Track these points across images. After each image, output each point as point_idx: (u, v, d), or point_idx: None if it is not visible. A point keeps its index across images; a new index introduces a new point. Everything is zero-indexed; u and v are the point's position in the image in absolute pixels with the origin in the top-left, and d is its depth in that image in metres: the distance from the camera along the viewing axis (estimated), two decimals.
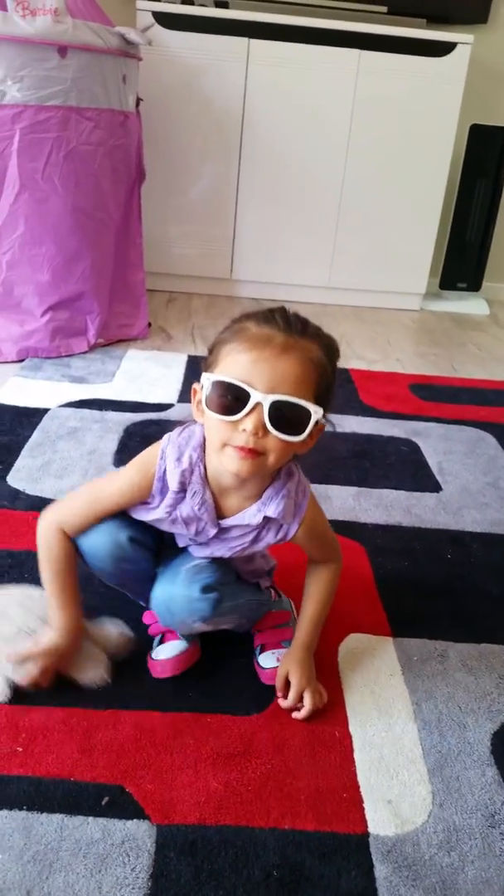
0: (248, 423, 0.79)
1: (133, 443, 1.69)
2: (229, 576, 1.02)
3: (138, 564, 0.97)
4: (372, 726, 0.99)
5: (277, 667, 1.03)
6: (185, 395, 1.97)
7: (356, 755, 0.95)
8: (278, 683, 1.01)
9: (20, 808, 0.84)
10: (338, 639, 1.13)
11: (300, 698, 0.99)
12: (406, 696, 1.05)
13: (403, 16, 2.74)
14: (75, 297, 2.15)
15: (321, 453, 1.68)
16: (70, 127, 2.01)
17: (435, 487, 1.61)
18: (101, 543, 0.94)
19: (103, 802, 0.85)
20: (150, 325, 2.48)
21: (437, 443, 1.83)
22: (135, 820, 0.83)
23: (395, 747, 0.96)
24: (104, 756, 0.91)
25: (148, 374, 2.11)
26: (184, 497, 0.90)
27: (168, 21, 2.58)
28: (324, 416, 0.83)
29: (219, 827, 0.83)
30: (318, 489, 1.52)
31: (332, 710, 1.01)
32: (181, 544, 1.00)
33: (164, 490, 0.91)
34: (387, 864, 0.81)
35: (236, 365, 0.80)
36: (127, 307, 2.42)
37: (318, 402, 0.82)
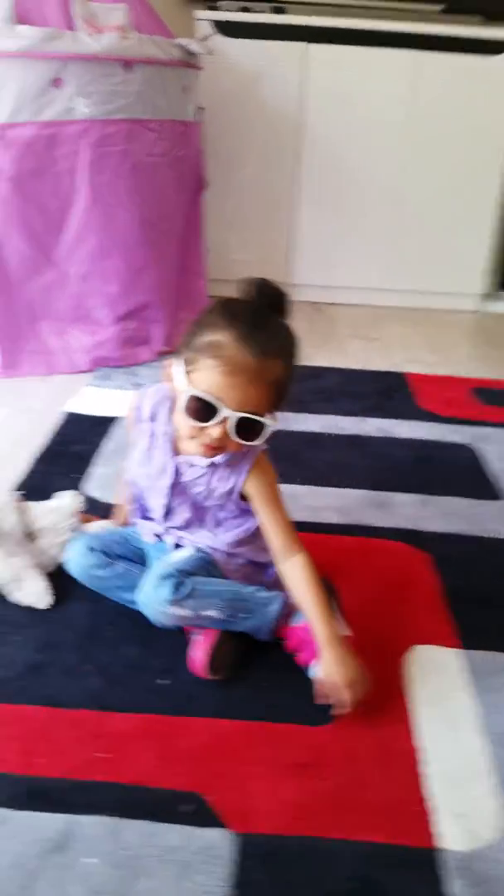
0: (215, 432, 0.96)
1: None
2: (208, 572, 1.09)
3: (110, 569, 1.14)
4: (441, 739, 1.01)
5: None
6: None
7: (425, 768, 0.97)
8: (319, 689, 1.03)
9: (108, 814, 0.88)
10: (403, 650, 1.15)
11: (353, 700, 1.01)
12: (475, 708, 1.06)
13: (459, 13, 2.70)
14: (142, 306, 2.21)
15: (380, 460, 1.71)
16: (135, 139, 2.05)
17: (498, 495, 1.61)
18: (72, 558, 1.15)
19: (184, 810, 0.90)
20: None
21: (500, 448, 1.82)
22: (214, 828, 0.87)
23: (464, 760, 0.98)
24: (182, 764, 0.96)
25: None
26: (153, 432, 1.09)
27: (226, 29, 2.60)
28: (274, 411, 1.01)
29: (296, 837, 0.87)
30: (377, 496, 1.55)
31: (399, 723, 1.03)
32: (155, 516, 1.13)
33: (139, 419, 1.11)
34: (459, 879, 0.83)
35: (212, 382, 0.94)
36: (190, 315, 2.42)
37: (275, 404, 1.00)
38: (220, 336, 0.94)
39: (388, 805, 0.92)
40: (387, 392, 2.13)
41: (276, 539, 1.07)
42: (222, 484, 1.06)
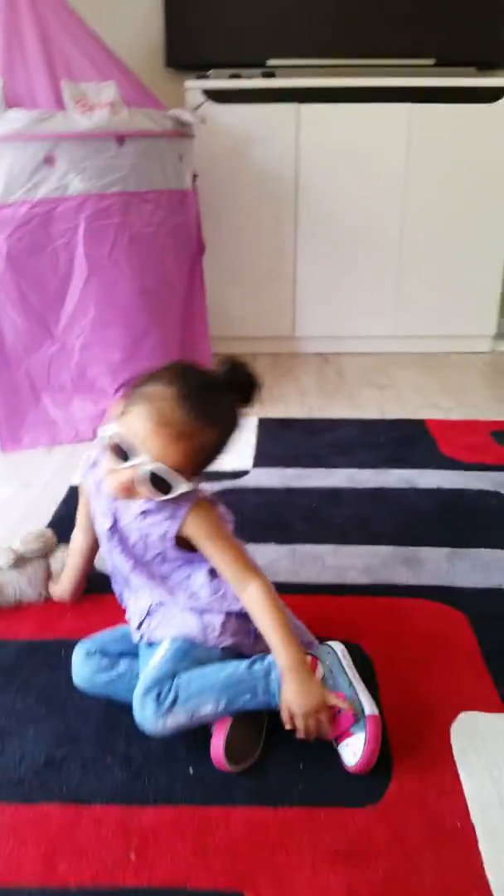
0: (124, 476, 0.96)
1: None
2: (194, 659, 1.02)
3: (114, 671, 1.09)
4: (495, 814, 0.93)
5: (358, 762, 0.97)
6: (260, 460, 1.97)
7: (482, 846, 0.89)
8: (284, 717, 0.98)
9: None
10: (448, 718, 1.08)
11: (312, 730, 0.97)
12: None
13: (452, 66, 2.75)
14: None
15: (405, 512, 1.66)
16: (132, 211, 2.07)
17: None
18: (74, 668, 1.11)
19: None
20: None
21: None
22: None
23: None
24: (219, 858, 0.88)
25: None
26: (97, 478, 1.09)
27: (217, 96, 2.66)
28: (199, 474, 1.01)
29: None
30: (404, 552, 1.49)
31: (450, 799, 0.95)
32: (109, 566, 1.12)
33: (89, 468, 1.12)
34: None
35: (139, 429, 0.95)
36: None
37: (196, 470, 0.99)
38: (162, 388, 0.96)
39: (445, 893, 0.84)
40: (406, 441, 2.08)
41: (227, 573, 1.03)
42: (156, 529, 1.03)
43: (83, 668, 1.11)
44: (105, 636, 1.15)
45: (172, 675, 1.00)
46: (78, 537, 1.27)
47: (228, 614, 1.06)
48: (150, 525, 1.03)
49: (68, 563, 1.32)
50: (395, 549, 1.51)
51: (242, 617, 1.06)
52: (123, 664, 1.10)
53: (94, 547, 1.23)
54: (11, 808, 0.95)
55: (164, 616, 1.08)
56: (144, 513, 1.03)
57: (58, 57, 2.03)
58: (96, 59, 2.13)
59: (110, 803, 0.95)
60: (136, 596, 1.12)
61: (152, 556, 1.06)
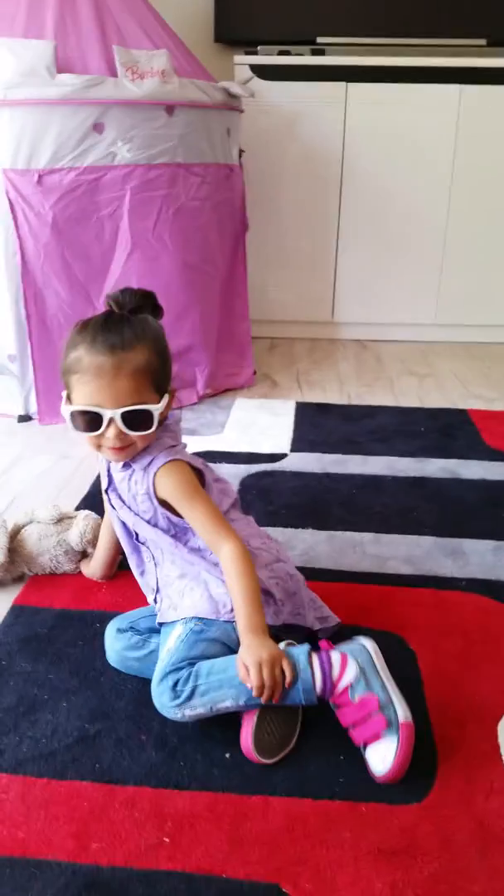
0: (110, 434, 1.00)
1: (249, 496, 1.65)
2: (210, 641, 1.01)
3: (145, 648, 1.09)
4: None
5: (387, 770, 0.91)
6: (297, 444, 1.93)
7: None
8: (240, 674, 0.94)
9: None
10: (496, 715, 1.03)
11: (266, 681, 0.93)
12: None
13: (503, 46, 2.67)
14: (185, 350, 2.16)
15: (448, 503, 1.61)
16: (178, 184, 2.03)
17: None
18: (106, 646, 1.12)
19: None
20: (255, 372, 2.46)
21: None
22: None
23: None
24: (256, 849, 0.85)
25: (258, 423, 2.07)
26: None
27: (265, 72, 2.60)
28: (169, 391, 1.05)
29: None
30: (448, 543, 1.44)
31: (499, 799, 0.91)
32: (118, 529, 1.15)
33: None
34: None
35: (85, 393, 0.99)
36: (233, 356, 2.41)
37: (158, 388, 1.03)
38: (75, 352, 1.00)
39: None
40: (448, 430, 2.02)
41: (202, 532, 1.04)
42: (139, 486, 1.06)
43: (114, 644, 1.10)
44: (137, 613, 1.14)
45: (190, 663, 0.97)
46: (106, 528, 1.27)
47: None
48: (134, 482, 1.06)
49: (98, 548, 1.30)
50: (439, 539, 1.46)
51: None
52: (154, 642, 1.08)
53: None
54: (42, 781, 0.93)
55: (173, 593, 1.07)
56: (126, 466, 1.07)
57: (110, 23, 1.99)
58: (148, 28, 2.08)
59: (144, 784, 0.92)
60: (144, 570, 1.13)
61: (146, 521, 1.07)
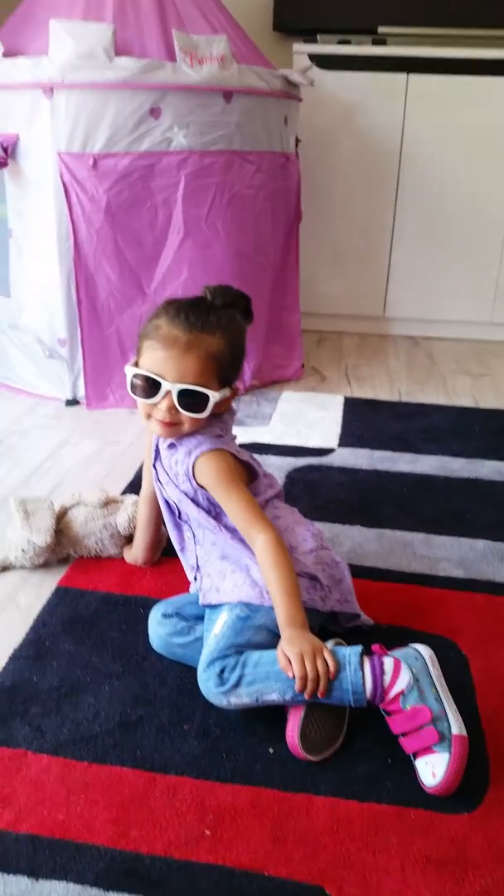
0: (162, 406, 1.01)
1: (296, 490, 1.62)
2: (256, 629, 0.99)
3: (191, 635, 1.07)
4: None
5: (437, 784, 0.87)
6: (345, 440, 1.89)
7: None
8: (281, 664, 0.92)
9: None
10: None
11: (308, 672, 0.90)
12: None
13: None
14: None
15: (502, 507, 1.55)
16: (233, 171, 2.01)
17: None
18: (151, 630, 1.11)
19: None
20: (303, 366, 2.43)
21: None
22: None
23: None
24: (299, 848, 0.82)
25: (305, 417, 2.04)
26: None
27: (324, 62, 2.56)
28: (231, 385, 1.05)
29: None
30: (503, 548, 1.40)
31: None
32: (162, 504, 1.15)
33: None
34: None
35: (152, 360, 1.01)
36: (281, 349, 2.38)
37: (222, 380, 1.03)
38: (155, 320, 1.02)
39: None
40: (503, 432, 1.96)
41: (237, 521, 1.03)
42: (180, 467, 1.06)
43: (159, 629, 1.08)
44: (181, 598, 1.12)
45: (237, 651, 0.96)
46: (143, 506, 1.26)
47: None
48: (175, 461, 1.07)
49: (137, 531, 1.29)
50: (493, 544, 1.41)
51: (301, 574, 1.03)
52: (200, 629, 1.06)
53: (160, 515, 1.20)
54: (83, 765, 0.91)
55: (213, 572, 1.07)
56: (172, 445, 1.07)
57: (170, 6, 1.97)
58: (208, 13, 2.06)
59: (185, 774, 0.90)
60: (185, 547, 1.13)
61: (190, 499, 1.07)
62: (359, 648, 0.95)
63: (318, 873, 0.79)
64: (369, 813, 0.86)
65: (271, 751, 0.94)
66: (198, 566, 1.11)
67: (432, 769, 0.88)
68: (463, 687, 1.03)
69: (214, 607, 1.04)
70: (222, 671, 0.94)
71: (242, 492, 1.03)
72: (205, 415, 1.01)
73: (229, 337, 1.02)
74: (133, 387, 1.03)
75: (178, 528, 1.14)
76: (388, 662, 0.94)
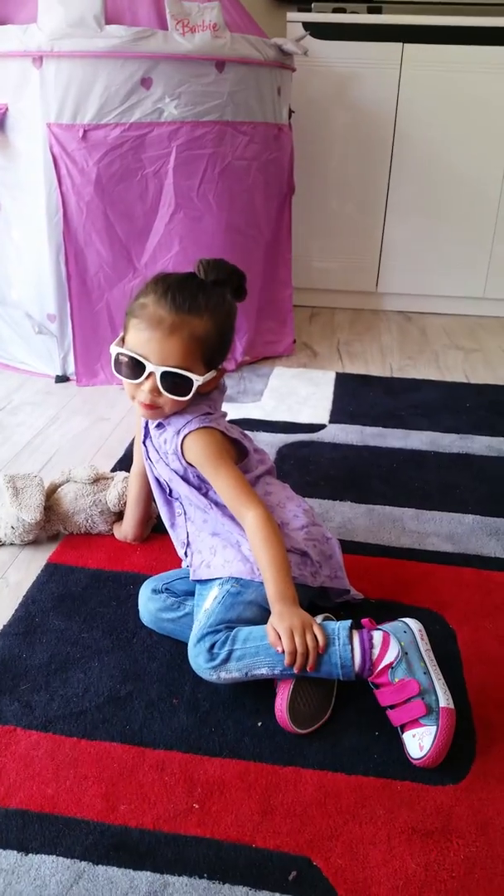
0: (145, 387, 1.00)
1: (287, 466, 1.62)
2: (246, 604, 1.00)
3: (180, 610, 1.08)
4: None
5: (424, 756, 0.88)
6: (336, 416, 1.88)
7: None
8: (271, 639, 0.93)
9: (201, 876, 0.76)
10: None
11: (298, 647, 0.91)
12: None
13: None
14: None
15: (493, 482, 1.55)
16: (225, 142, 1.98)
17: None
18: (140, 605, 1.11)
19: (290, 877, 0.77)
20: (295, 341, 2.42)
21: None
22: None
23: None
24: (287, 820, 0.83)
25: (297, 393, 2.03)
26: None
27: (319, 31, 2.52)
28: (218, 367, 1.05)
29: None
30: (493, 523, 1.42)
31: None
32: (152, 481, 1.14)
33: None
34: None
35: (137, 340, 0.99)
36: (273, 324, 2.36)
37: (208, 362, 1.02)
38: (143, 298, 1.01)
39: None
40: (494, 407, 1.96)
41: (226, 498, 1.03)
42: (169, 446, 1.06)
43: (149, 605, 1.09)
44: (171, 574, 1.13)
45: (228, 626, 0.96)
46: (133, 483, 1.25)
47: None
48: (163, 440, 1.06)
49: (128, 507, 1.28)
50: (482, 519, 1.42)
51: (291, 549, 1.03)
52: (189, 605, 1.07)
53: (150, 491, 1.20)
54: (72, 740, 0.92)
55: (204, 548, 1.07)
56: (160, 425, 1.07)
57: None
58: None
59: (174, 749, 0.91)
60: (175, 523, 1.13)
61: (180, 477, 1.06)
62: (348, 623, 0.95)
63: (306, 845, 0.80)
64: (356, 785, 0.87)
65: (259, 724, 0.95)
66: (188, 542, 1.11)
67: (419, 742, 0.89)
68: (450, 660, 1.04)
69: (205, 583, 1.05)
70: (213, 646, 0.95)
71: (231, 469, 1.03)
72: (187, 398, 1.01)
73: (217, 319, 1.01)
74: (117, 364, 1.02)
75: (169, 504, 1.13)
76: (377, 636, 0.95)
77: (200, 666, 0.95)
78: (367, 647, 0.94)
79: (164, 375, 0.99)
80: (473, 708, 0.98)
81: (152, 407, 1.02)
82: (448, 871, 0.78)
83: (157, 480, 1.13)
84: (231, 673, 0.94)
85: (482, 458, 1.67)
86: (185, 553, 1.12)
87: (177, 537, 1.14)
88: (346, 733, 0.94)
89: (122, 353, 1.00)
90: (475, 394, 2.05)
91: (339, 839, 0.81)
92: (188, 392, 1.00)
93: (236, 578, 1.01)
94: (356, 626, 0.96)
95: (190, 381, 0.99)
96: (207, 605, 1.00)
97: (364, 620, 0.97)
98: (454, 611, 1.16)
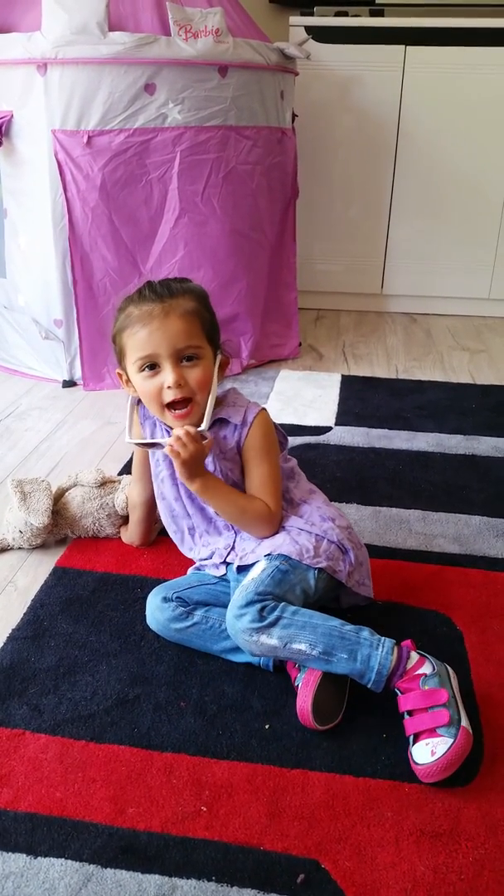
0: (170, 377, 1.01)
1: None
2: (293, 583, 1.01)
3: (189, 619, 1.07)
4: None
5: (433, 762, 0.86)
6: (342, 418, 1.89)
7: None
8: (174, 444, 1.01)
9: (209, 879, 0.77)
10: None
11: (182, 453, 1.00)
12: None
13: None
14: (230, 318, 2.12)
15: (501, 484, 1.55)
16: (229, 147, 1.99)
17: None
18: (150, 613, 1.10)
19: (298, 880, 0.77)
20: (300, 344, 2.42)
21: None
22: None
23: None
24: (295, 823, 0.83)
25: (302, 396, 2.04)
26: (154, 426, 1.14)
27: (321, 34, 2.52)
28: (221, 351, 1.08)
29: None
30: (500, 524, 1.39)
31: None
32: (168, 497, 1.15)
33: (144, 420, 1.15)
34: None
35: (139, 343, 1.02)
36: (279, 327, 2.37)
37: (210, 338, 1.05)
38: (124, 313, 1.04)
39: None
40: (500, 408, 1.96)
41: (253, 488, 1.07)
42: (232, 438, 1.08)
43: (158, 613, 1.08)
44: (181, 582, 1.12)
45: (277, 598, 0.97)
46: (136, 490, 1.25)
47: (319, 538, 1.06)
48: (224, 437, 1.08)
49: (131, 511, 1.29)
50: (489, 520, 1.41)
51: (336, 543, 1.06)
52: (199, 614, 1.07)
53: (153, 494, 1.19)
54: (80, 743, 0.92)
55: (251, 538, 1.08)
56: (217, 425, 1.08)
57: None
58: None
59: (182, 752, 0.91)
60: (216, 527, 1.12)
61: (224, 476, 1.08)
62: (393, 641, 0.95)
63: (314, 847, 0.80)
64: (364, 787, 0.87)
65: (267, 727, 0.95)
66: (233, 546, 1.10)
67: (432, 748, 0.88)
68: (457, 662, 1.04)
69: (246, 569, 1.04)
70: (263, 609, 0.95)
71: (277, 460, 1.09)
72: (213, 368, 1.04)
73: (196, 295, 1.05)
74: (136, 379, 1.04)
75: (203, 510, 1.12)
76: (415, 655, 0.95)
77: (245, 626, 0.94)
78: (403, 659, 0.94)
79: (179, 351, 1.02)
80: (481, 710, 0.98)
81: (186, 402, 1.03)
82: (457, 873, 0.78)
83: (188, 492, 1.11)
84: (272, 639, 0.94)
85: (488, 458, 1.67)
86: (228, 553, 1.10)
87: (214, 543, 1.12)
88: (354, 736, 0.94)
89: (135, 361, 1.03)
90: (481, 395, 2.05)
91: (347, 842, 0.81)
92: (211, 360, 1.04)
93: (286, 556, 1.02)
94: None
95: (203, 349, 1.03)
96: (255, 574, 1.00)
97: (405, 642, 0.97)
98: (461, 612, 1.16)
